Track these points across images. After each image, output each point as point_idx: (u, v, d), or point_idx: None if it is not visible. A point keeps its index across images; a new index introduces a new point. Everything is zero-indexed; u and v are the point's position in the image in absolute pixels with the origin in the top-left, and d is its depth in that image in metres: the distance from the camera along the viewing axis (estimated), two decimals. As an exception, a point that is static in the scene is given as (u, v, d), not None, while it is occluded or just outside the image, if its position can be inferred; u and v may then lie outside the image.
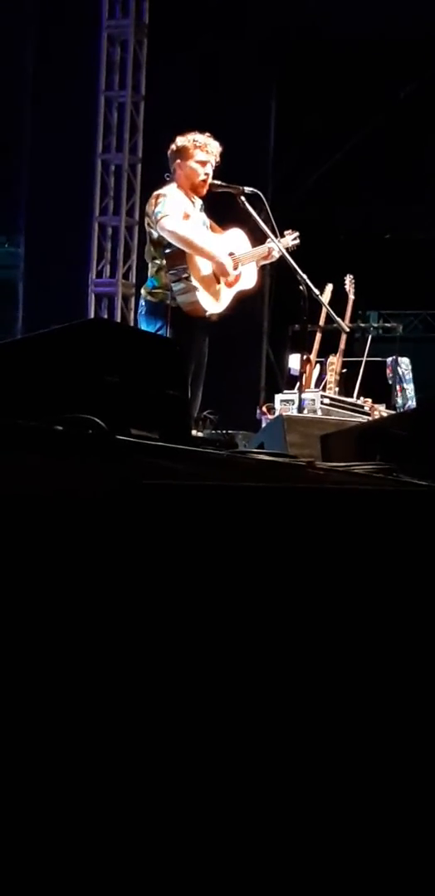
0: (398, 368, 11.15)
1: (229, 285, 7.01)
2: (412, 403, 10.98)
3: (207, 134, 7.01)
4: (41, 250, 12.59)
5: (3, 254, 14.19)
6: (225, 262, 6.92)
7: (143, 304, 7.05)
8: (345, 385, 9.71)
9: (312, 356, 9.44)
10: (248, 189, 7.02)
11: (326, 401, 8.43)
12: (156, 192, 7.01)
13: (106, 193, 12.72)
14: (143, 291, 7.11)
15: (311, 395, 8.43)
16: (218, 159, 7.01)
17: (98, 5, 12.55)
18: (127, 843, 1.63)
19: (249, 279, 7.19)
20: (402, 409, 10.49)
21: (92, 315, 12.30)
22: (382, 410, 8.93)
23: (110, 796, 1.64)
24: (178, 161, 7.01)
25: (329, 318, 8.39)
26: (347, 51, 12.16)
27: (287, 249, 7.20)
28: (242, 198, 6.98)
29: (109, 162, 12.71)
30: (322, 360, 9.66)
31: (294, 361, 10.28)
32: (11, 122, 12.59)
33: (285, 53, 12.61)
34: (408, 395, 11.12)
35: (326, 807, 1.72)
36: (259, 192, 7.09)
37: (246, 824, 1.68)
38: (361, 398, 9.31)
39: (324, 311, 8.46)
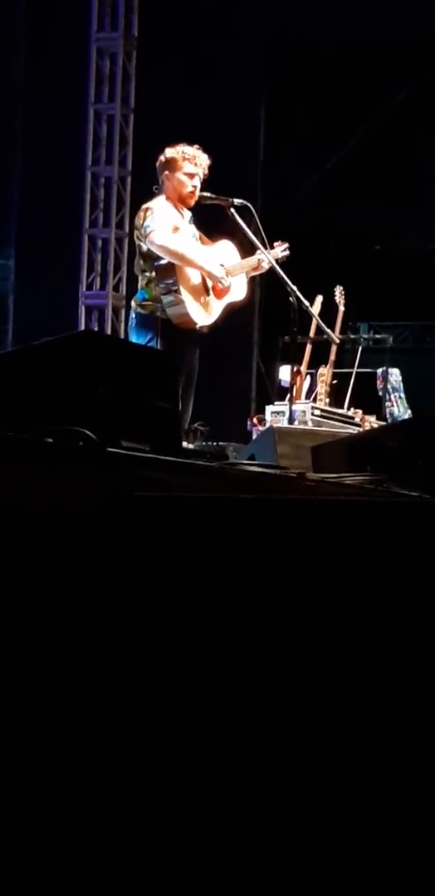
0: (389, 379, 11.17)
1: (219, 297, 7.01)
2: (410, 413, 10.99)
3: (196, 146, 7.02)
4: (31, 262, 12.59)
5: (-7, 266, 14.19)
6: (216, 273, 6.93)
7: (134, 316, 7.05)
8: (335, 396, 9.72)
9: (303, 368, 9.44)
10: (237, 201, 7.02)
11: (317, 412, 8.45)
12: (144, 206, 7.01)
13: (96, 206, 12.72)
14: (133, 303, 7.11)
15: (301, 406, 8.45)
16: (206, 172, 7.01)
17: (87, 18, 12.56)
18: (127, 843, 1.63)
19: (238, 291, 7.19)
20: (398, 420, 10.50)
21: (82, 327, 12.30)
22: (372, 421, 8.94)
23: (107, 812, 1.64)
24: (167, 172, 7.01)
25: (319, 330, 8.40)
26: (335, 61, 12.18)
27: (277, 261, 7.20)
28: (232, 209, 6.99)
29: (99, 174, 12.72)
30: (312, 371, 9.67)
31: (284, 373, 10.28)
32: (1, 135, 12.59)
33: (274, 65, 12.63)
34: (407, 404, 11.15)
35: (323, 815, 1.72)
36: (248, 204, 7.09)
37: (246, 827, 1.68)
38: (352, 409, 9.33)
39: (314, 322, 8.47)
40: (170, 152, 7.01)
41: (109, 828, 1.64)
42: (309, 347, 9.49)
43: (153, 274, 6.88)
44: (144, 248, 6.90)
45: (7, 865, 1.58)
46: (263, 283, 10.85)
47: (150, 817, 1.65)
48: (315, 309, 8.42)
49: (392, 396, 11.10)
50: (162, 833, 1.66)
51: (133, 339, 6.94)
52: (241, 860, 1.67)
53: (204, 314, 6.93)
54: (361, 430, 8.13)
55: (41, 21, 12.41)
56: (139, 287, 7.04)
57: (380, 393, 11.13)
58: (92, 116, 12.66)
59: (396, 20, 11.51)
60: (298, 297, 7.18)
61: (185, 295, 6.81)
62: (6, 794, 1.61)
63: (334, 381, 9.73)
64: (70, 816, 1.62)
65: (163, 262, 6.83)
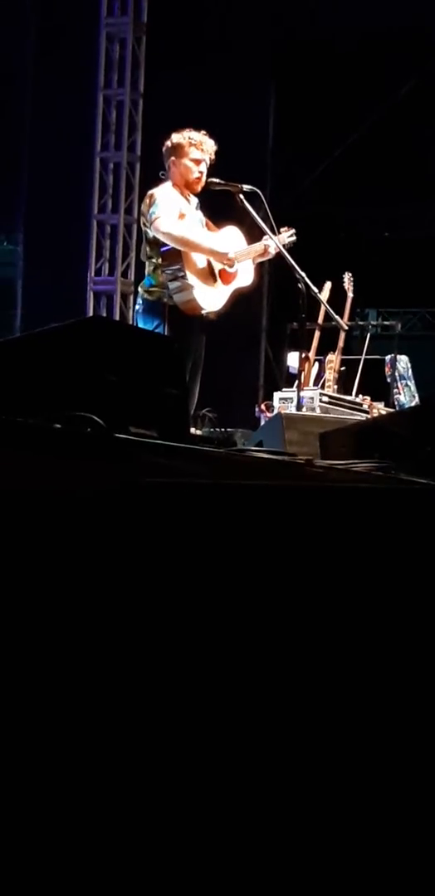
0: (397, 366, 11.16)
1: (226, 283, 7.00)
2: (417, 400, 11.00)
3: (203, 132, 7.00)
4: (40, 248, 12.60)
5: (2, 251, 14.21)
6: (223, 251, 6.92)
7: (141, 302, 7.04)
8: (343, 383, 9.72)
9: (311, 354, 9.44)
10: (246, 187, 7.00)
11: (325, 399, 8.44)
12: (150, 192, 6.99)
13: (105, 191, 12.73)
14: (140, 290, 7.10)
15: (309, 393, 8.44)
16: (213, 157, 7.00)
17: (96, 3, 12.57)
18: (127, 843, 1.63)
19: (245, 277, 7.18)
20: (406, 407, 10.50)
21: (91, 313, 12.31)
22: (380, 408, 8.93)
23: (108, 791, 1.64)
24: (173, 158, 6.99)
25: (328, 316, 8.39)
26: (346, 47, 12.15)
27: (284, 247, 7.19)
28: (241, 196, 6.97)
29: (108, 160, 12.73)
30: (321, 358, 9.67)
31: (293, 359, 10.30)
32: (10, 121, 12.60)
33: (284, 50, 12.62)
34: (413, 392, 11.14)
35: (326, 806, 1.72)
36: (257, 190, 7.07)
37: (246, 823, 1.68)
38: (360, 396, 9.32)
39: (323, 308, 8.46)
40: (176, 138, 7.00)
41: (108, 822, 1.64)
42: (317, 334, 9.49)
43: (159, 260, 6.87)
44: (150, 234, 6.90)
45: (7, 865, 1.58)
46: (272, 270, 10.84)
47: (148, 806, 1.66)
48: (324, 295, 8.42)
49: (399, 384, 11.10)
50: (161, 829, 1.66)
51: (140, 325, 6.94)
52: (240, 859, 1.67)
53: (211, 300, 6.93)
54: (369, 416, 8.12)
55: (51, 6, 12.42)
56: (146, 273, 7.04)
57: (388, 380, 11.12)
58: (101, 102, 12.66)
59: (405, 9, 11.50)
60: (306, 284, 7.17)
61: (192, 280, 6.81)
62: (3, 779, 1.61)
63: (342, 368, 9.73)
64: (68, 806, 1.62)
65: (169, 248, 6.82)
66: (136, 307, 7.17)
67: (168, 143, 7.03)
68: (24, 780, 1.61)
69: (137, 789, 1.65)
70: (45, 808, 1.61)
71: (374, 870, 1.71)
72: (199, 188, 7.01)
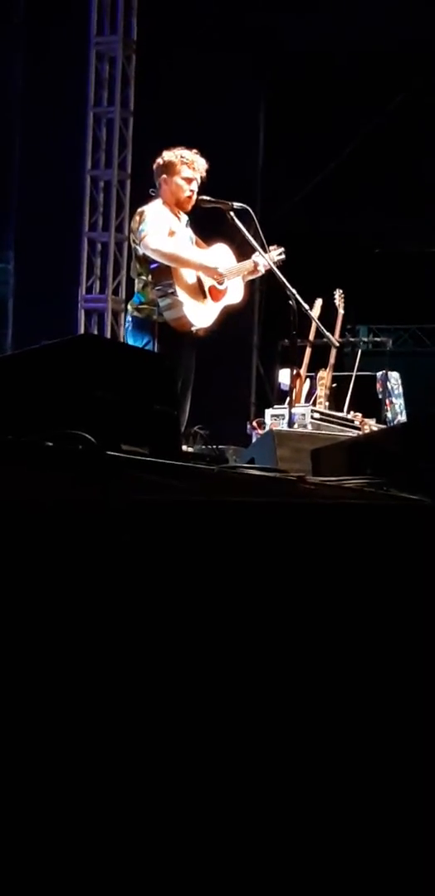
0: (388, 383, 11.17)
1: (216, 300, 7.01)
2: (402, 417, 11.01)
3: (194, 150, 7.01)
4: (31, 266, 12.60)
5: (-7, 270, 14.20)
6: (213, 266, 6.93)
7: (130, 319, 7.05)
8: (335, 400, 9.71)
9: (302, 371, 9.43)
10: (237, 204, 7.01)
11: (317, 415, 8.43)
12: (140, 209, 7.01)
13: (95, 209, 12.74)
14: (129, 307, 7.11)
15: (301, 409, 8.43)
16: (204, 176, 7.01)
17: (86, 22, 12.58)
18: (127, 844, 1.63)
19: (235, 294, 7.19)
20: (392, 424, 10.50)
21: (82, 331, 12.31)
22: (372, 425, 8.93)
23: (110, 813, 1.64)
24: (164, 176, 7.00)
25: (319, 333, 8.40)
26: (335, 63, 12.17)
27: (274, 264, 7.20)
28: (231, 213, 6.97)
29: (99, 178, 12.73)
30: (312, 374, 9.66)
31: (284, 376, 10.29)
32: (0, 139, 12.60)
33: (274, 66, 12.63)
34: (397, 410, 11.14)
35: (322, 812, 1.72)
36: (248, 208, 7.08)
37: (245, 830, 1.68)
38: (352, 413, 9.31)
39: (314, 325, 8.46)
40: (168, 156, 7.01)
41: (109, 829, 1.63)
42: (308, 350, 9.48)
43: (149, 277, 6.88)
44: (140, 251, 6.91)
45: (7, 865, 1.58)
46: (263, 287, 10.84)
47: (150, 825, 1.65)
48: (315, 312, 8.43)
49: (387, 400, 11.11)
50: (162, 835, 1.65)
51: (129, 342, 6.94)
52: (239, 860, 1.67)
53: (201, 316, 6.93)
54: (360, 433, 8.12)
55: (40, 25, 12.43)
56: (135, 291, 7.04)
57: (379, 396, 11.13)
58: (91, 120, 12.68)
59: (394, 23, 11.53)
60: (297, 300, 7.18)
61: (182, 296, 6.81)
62: (8, 796, 1.60)
63: (334, 385, 9.72)
64: (70, 819, 1.62)
65: (158, 265, 6.83)
66: (126, 324, 7.18)
67: (159, 161, 7.04)
68: (28, 785, 1.60)
69: (137, 797, 1.65)
70: (46, 808, 1.61)
71: (368, 866, 1.71)
72: (189, 206, 7.02)
